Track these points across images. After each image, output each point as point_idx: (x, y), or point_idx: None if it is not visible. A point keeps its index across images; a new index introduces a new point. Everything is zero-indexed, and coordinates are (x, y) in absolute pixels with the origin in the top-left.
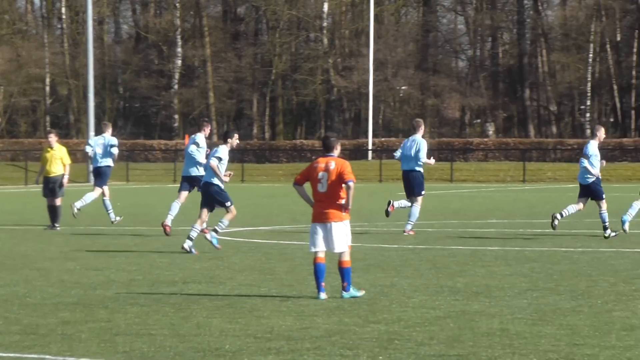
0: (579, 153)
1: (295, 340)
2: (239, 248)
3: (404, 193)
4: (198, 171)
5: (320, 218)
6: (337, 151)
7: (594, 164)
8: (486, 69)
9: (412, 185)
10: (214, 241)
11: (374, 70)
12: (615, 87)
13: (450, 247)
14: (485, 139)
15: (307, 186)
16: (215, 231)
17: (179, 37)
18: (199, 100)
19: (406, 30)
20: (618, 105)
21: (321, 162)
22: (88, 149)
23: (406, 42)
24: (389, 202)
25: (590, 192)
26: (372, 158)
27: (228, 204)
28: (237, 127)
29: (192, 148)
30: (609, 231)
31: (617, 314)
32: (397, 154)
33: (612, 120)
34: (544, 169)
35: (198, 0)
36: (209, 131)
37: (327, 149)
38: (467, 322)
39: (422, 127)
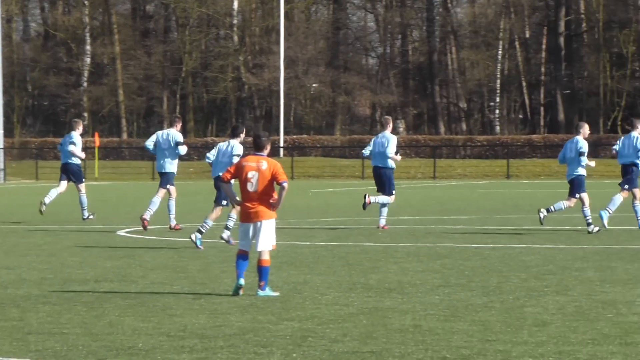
0: (489, 149)
1: (209, 339)
2: (151, 246)
3: (376, 188)
4: (171, 167)
5: (250, 217)
6: (267, 150)
7: (582, 160)
8: (396, 67)
9: (383, 182)
10: (198, 242)
11: (285, 68)
12: (524, 83)
13: (363, 243)
14: (396, 136)
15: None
16: (200, 232)
17: (87, 34)
18: (109, 98)
19: (316, 28)
20: (527, 101)
21: (251, 161)
22: (60, 148)
23: (317, 40)
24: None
25: (571, 186)
26: (284, 155)
27: (224, 203)
28: (148, 124)
29: (184, 149)
30: (543, 215)
31: (529, 309)
32: (366, 151)
33: (521, 117)
34: (454, 165)
35: None
36: (180, 126)
37: (257, 148)
38: (380, 319)
39: (391, 124)
